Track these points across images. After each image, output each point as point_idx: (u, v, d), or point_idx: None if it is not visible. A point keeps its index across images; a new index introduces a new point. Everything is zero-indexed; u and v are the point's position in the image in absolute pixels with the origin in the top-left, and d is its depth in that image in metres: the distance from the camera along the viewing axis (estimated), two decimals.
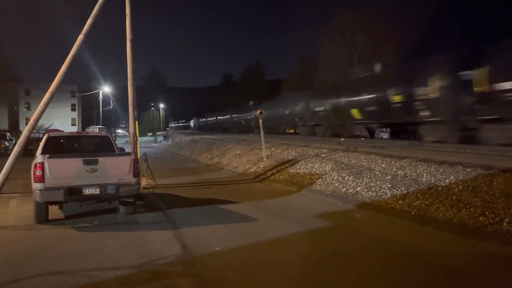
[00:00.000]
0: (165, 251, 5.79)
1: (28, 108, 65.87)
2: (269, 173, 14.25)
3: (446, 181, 8.59)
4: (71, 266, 5.18)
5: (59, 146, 9.08)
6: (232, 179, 14.58)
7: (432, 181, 8.82)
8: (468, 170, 8.75)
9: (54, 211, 8.11)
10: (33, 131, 12.83)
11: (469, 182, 8.12)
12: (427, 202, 7.84)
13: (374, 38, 35.95)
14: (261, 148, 16.73)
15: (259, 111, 17.40)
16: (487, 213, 6.67)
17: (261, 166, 15.49)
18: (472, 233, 6.26)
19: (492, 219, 6.46)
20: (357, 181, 10.29)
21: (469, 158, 9.88)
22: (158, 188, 11.93)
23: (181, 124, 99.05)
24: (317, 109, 24.93)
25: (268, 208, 9.09)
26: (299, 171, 13.10)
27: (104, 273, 4.93)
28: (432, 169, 9.48)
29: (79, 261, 5.39)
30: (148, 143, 47.88)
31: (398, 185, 9.15)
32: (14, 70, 56.01)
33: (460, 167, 9.03)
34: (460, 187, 8.05)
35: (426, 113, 15.36)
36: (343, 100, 21.95)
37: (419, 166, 9.96)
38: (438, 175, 9.00)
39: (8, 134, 30.36)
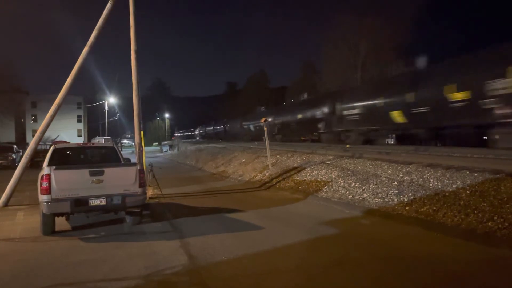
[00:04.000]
0: (172, 260, 5.79)
1: (35, 120, 66.49)
2: (274, 180, 14.23)
3: (453, 186, 8.52)
4: (78, 277, 5.19)
5: (65, 157, 9.14)
6: (238, 187, 14.57)
7: (439, 187, 8.76)
8: (475, 174, 8.68)
9: (61, 223, 8.15)
10: (40, 143, 12.93)
11: (476, 187, 8.05)
12: (434, 208, 7.78)
13: (378, 43, 35.99)
14: (267, 156, 16.73)
15: (263, 119, 17.44)
16: (495, 218, 6.60)
17: (267, 174, 15.48)
18: (481, 239, 6.19)
19: (501, 224, 6.38)
20: (363, 187, 10.25)
21: (476, 163, 9.80)
22: (164, 198, 11.95)
23: (186, 133, 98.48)
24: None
25: (275, 216, 9.06)
26: (305, 178, 13.06)
27: (111, 284, 4.93)
28: (439, 174, 9.42)
29: (86, 272, 5.39)
30: (154, 153, 48.10)
31: (405, 191, 9.10)
32: (21, 83, 56.67)
33: (467, 172, 8.96)
34: (468, 192, 7.98)
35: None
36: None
37: (426, 171, 9.90)
38: (445, 180, 8.93)
39: (15, 146, 30.62)
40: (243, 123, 46.39)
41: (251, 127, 42.61)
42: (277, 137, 33.92)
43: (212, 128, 70.96)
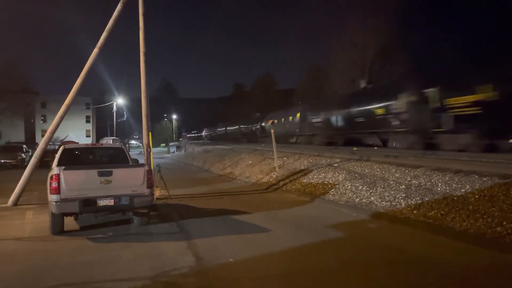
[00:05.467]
0: (178, 262, 5.81)
1: (44, 121, 67.10)
2: (281, 183, 14.22)
3: (461, 190, 8.46)
4: (86, 277, 5.23)
5: (74, 157, 9.21)
6: (245, 189, 14.58)
7: (448, 191, 8.69)
8: (484, 179, 8.61)
9: (70, 222, 8.22)
10: (49, 143, 13.05)
11: (485, 192, 7.98)
12: (442, 212, 7.73)
13: (386, 46, 35.79)
14: (273, 158, 16.72)
15: (270, 121, 17.44)
16: (504, 223, 6.54)
17: (274, 176, 15.47)
18: (490, 244, 6.14)
19: (510, 229, 6.32)
20: (370, 190, 10.21)
21: (485, 167, 9.72)
22: (171, 199, 11.99)
23: (198, 134, 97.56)
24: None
25: (281, 218, 9.06)
26: (312, 181, 13.04)
27: (118, 284, 4.97)
28: (447, 178, 9.35)
29: (94, 272, 5.43)
30: (161, 154, 48.25)
31: (412, 195, 9.05)
32: (30, 83, 57.20)
33: (476, 176, 8.89)
34: (477, 196, 7.92)
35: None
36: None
37: (434, 175, 9.84)
38: (454, 185, 8.87)
39: (24, 146, 30.95)
40: (311, 115, 28.21)
41: (335, 119, 24.75)
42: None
43: (237, 127, 55.28)
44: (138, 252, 6.42)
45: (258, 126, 43.64)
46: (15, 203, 11.18)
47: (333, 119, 24.95)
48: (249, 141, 43.16)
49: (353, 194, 10.47)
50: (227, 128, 63.10)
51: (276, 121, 35.45)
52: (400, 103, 18.11)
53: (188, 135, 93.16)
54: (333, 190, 11.36)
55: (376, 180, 10.79)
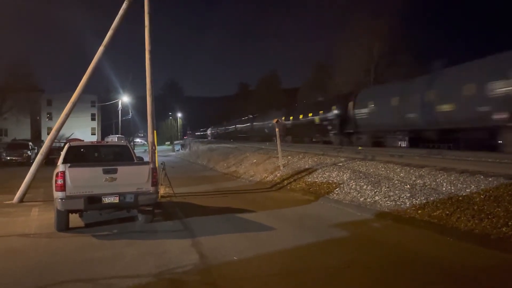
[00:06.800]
0: (183, 259, 5.83)
1: (50, 118, 67.38)
2: (286, 182, 14.21)
3: (467, 190, 8.41)
4: (91, 274, 5.26)
5: (79, 155, 9.27)
6: (249, 187, 14.59)
7: (453, 191, 8.65)
8: (490, 179, 8.56)
9: (75, 219, 8.26)
10: (55, 141, 13.12)
11: (491, 192, 7.93)
12: (447, 212, 7.70)
13: (391, 46, 35.64)
14: (278, 157, 16.72)
15: (275, 119, 17.45)
16: (510, 223, 6.50)
17: (278, 175, 15.47)
18: (495, 244, 6.11)
19: None
20: (375, 190, 10.18)
21: (491, 167, 9.67)
22: (175, 197, 12.02)
23: (201, 133, 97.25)
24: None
25: (285, 217, 9.06)
26: (316, 180, 13.02)
27: (123, 281, 4.98)
28: (452, 178, 9.31)
29: (99, 269, 5.46)
30: (166, 152, 48.38)
31: (417, 195, 9.01)
32: (36, 81, 57.40)
33: (481, 176, 8.84)
34: (482, 196, 7.87)
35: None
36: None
37: (439, 175, 9.79)
38: (459, 185, 8.82)
39: (30, 143, 31.16)
40: None
41: None
42: None
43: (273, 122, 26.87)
44: (142, 249, 6.45)
45: (333, 115, 25.46)
46: (21, 200, 11.26)
47: None
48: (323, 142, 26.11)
49: (358, 194, 10.45)
50: (253, 123, 46.76)
51: (373, 102, 21.29)
52: None
53: (196, 133, 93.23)
54: (337, 189, 11.35)
55: (381, 180, 10.76)
